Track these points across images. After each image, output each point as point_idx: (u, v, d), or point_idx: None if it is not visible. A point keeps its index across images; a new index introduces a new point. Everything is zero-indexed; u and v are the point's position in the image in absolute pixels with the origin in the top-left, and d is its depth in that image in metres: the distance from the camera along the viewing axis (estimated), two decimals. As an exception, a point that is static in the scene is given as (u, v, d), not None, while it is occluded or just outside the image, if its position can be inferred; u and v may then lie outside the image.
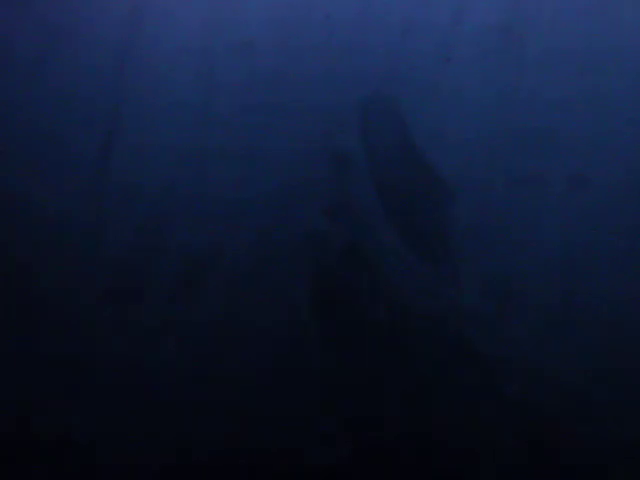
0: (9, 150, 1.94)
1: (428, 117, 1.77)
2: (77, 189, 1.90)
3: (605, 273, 1.67)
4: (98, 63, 1.94)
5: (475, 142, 1.74)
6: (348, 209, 1.79)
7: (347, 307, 1.77)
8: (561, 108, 1.72)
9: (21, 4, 1.98)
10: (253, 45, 1.87)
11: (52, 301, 1.88)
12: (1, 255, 1.91)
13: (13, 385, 1.86)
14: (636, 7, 1.70)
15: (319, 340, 1.77)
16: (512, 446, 1.66)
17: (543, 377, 1.67)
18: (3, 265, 1.91)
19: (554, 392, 1.66)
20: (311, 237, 1.80)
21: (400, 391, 1.72)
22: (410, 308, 1.74)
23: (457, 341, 1.71)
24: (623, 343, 1.65)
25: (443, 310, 1.72)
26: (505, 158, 1.73)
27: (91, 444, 1.83)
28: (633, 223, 1.66)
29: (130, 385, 1.83)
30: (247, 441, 1.77)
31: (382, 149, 1.79)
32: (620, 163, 1.68)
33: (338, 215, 1.79)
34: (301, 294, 1.78)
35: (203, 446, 1.79)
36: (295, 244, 1.80)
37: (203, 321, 1.82)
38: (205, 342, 1.81)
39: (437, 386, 1.71)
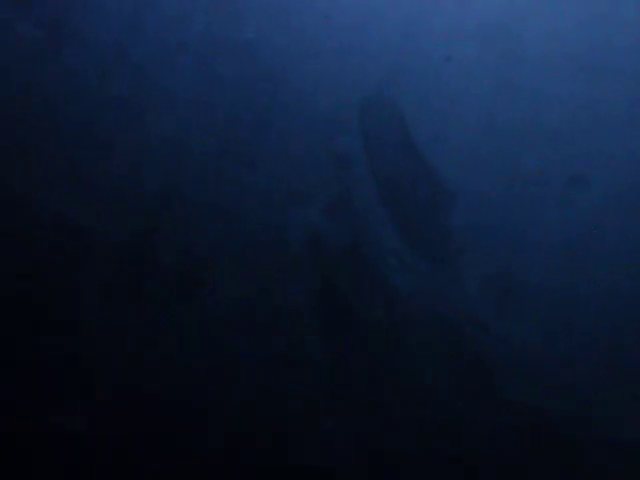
0: (8, 150, 1.94)
1: (428, 117, 1.77)
2: (76, 189, 1.90)
3: (606, 273, 1.67)
4: (98, 63, 1.94)
5: (475, 142, 1.74)
6: (348, 209, 1.79)
7: (347, 307, 1.77)
8: (562, 108, 1.72)
9: (21, 4, 1.98)
10: (253, 45, 1.87)
11: (52, 301, 1.88)
12: (0, 255, 1.91)
13: (13, 385, 1.86)
14: (637, 6, 1.70)
15: (319, 340, 1.77)
16: (512, 446, 1.66)
17: (543, 377, 1.67)
18: (3, 265, 1.91)
19: (554, 392, 1.66)
20: (311, 237, 1.80)
21: (400, 391, 1.72)
22: (410, 308, 1.74)
23: (457, 341, 1.71)
24: (624, 343, 1.65)
25: (443, 310, 1.72)
26: (505, 158, 1.73)
27: (91, 444, 1.83)
28: (633, 223, 1.66)
29: (130, 385, 1.83)
30: (247, 441, 1.77)
31: (382, 149, 1.79)
32: (620, 163, 1.68)
33: (338, 215, 1.79)
34: (301, 294, 1.78)
35: (203, 446, 1.79)
36: (295, 244, 1.80)
37: (203, 321, 1.82)
38: (205, 342, 1.81)
39: (437, 386, 1.71)
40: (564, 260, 1.68)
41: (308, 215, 1.80)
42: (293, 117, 1.84)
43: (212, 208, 1.85)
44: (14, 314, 1.89)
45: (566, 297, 1.67)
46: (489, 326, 1.69)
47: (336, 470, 1.73)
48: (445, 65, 1.78)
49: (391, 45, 1.81)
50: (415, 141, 1.77)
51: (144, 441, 1.81)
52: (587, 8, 1.73)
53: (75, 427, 1.83)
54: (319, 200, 1.81)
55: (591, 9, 1.73)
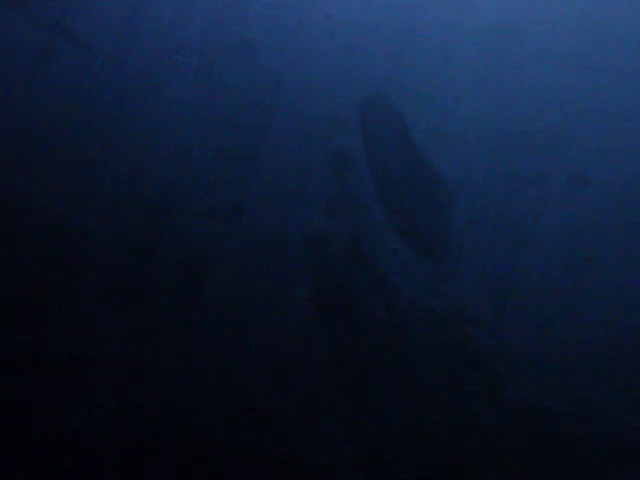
0: (8, 151, 1.94)
1: (428, 117, 1.77)
2: (76, 189, 1.91)
3: (606, 273, 1.67)
4: (98, 63, 1.94)
5: (475, 142, 1.74)
6: (348, 209, 1.79)
7: (347, 307, 1.77)
8: (561, 108, 1.72)
9: (21, 4, 1.99)
10: (253, 45, 1.88)
11: (52, 301, 1.88)
12: (0, 256, 1.91)
13: (13, 385, 1.86)
14: (636, 6, 1.71)
15: (319, 340, 1.77)
16: (512, 444, 1.66)
17: (543, 377, 1.67)
18: (3, 265, 1.91)
19: (554, 392, 1.66)
20: (311, 237, 1.80)
21: (400, 391, 1.72)
22: (410, 308, 1.73)
23: (457, 341, 1.71)
24: (624, 343, 1.65)
25: (443, 310, 1.72)
26: (505, 158, 1.73)
27: (91, 444, 1.83)
28: (634, 222, 1.66)
29: (130, 385, 1.83)
30: (247, 440, 1.77)
31: (382, 148, 1.79)
32: (620, 162, 1.68)
33: (338, 215, 1.79)
34: (301, 294, 1.78)
35: (203, 445, 1.78)
36: (295, 244, 1.80)
37: (203, 321, 1.82)
38: (205, 342, 1.81)
39: (437, 386, 1.71)
40: (565, 258, 1.68)
41: (308, 215, 1.80)
42: (293, 117, 1.84)
43: (212, 208, 1.85)
44: (14, 314, 1.89)
45: (567, 296, 1.67)
46: (489, 325, 1.69)
47: (336, 469, 1.72)
48: (445, 64, 1.78)
49: (391, 45, 1.81)
50: (415, 140, 1.77)
51: (144, 441, 1.81)
52: (587, 8, 1.73)
53: (75, 427, 1.83)
54: (319, 200, 1.81)
55: (591, 10, 1.73)
